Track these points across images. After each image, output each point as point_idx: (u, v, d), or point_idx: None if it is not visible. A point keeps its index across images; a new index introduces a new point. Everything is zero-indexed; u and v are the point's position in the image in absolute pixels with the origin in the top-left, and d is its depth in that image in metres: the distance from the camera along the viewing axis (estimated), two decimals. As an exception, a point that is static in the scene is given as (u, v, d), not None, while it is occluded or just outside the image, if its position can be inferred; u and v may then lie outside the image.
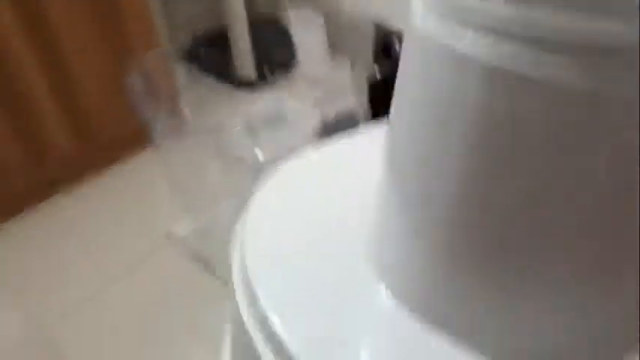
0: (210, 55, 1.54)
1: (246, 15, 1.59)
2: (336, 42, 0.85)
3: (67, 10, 1.27)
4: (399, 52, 0.67)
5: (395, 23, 0.66)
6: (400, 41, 0.68)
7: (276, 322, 0.20)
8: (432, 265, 0.20)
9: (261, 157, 0.69)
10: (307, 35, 0.88)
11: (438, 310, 0.20)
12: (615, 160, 0.16)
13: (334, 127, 0.70)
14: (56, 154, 1.32)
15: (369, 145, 0.28)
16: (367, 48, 0.69)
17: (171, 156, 0.70)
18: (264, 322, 0.21)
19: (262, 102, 0.81)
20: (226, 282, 0.67)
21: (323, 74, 0.86)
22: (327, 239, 0.24)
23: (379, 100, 0.64)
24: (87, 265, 1.04)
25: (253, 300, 0.22)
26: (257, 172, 0.74)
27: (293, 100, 0.82)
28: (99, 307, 0.86)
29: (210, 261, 0.75)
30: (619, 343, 0.20)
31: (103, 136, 1.38)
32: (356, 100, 0.67)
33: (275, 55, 1.26)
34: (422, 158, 0.19)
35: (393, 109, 0.21)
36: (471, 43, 0.16)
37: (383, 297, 0.21)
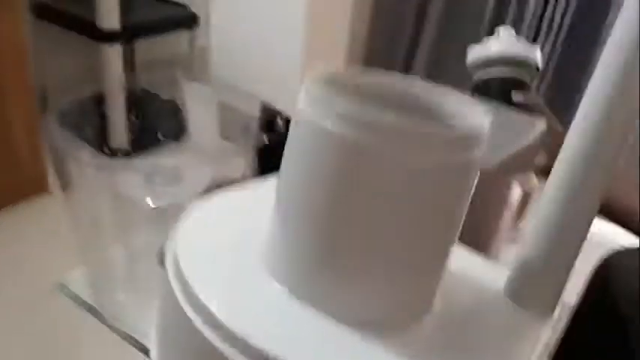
0: (86, 121, 1.57)
1: (124, 84, 1.68)
2: (226, 115, 0.98)
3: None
4: (281, 125, 0.82)
5: (278, 104, 0.81)
6: (282, 118, 0.83)
7: (201, 295, 0.32)
8: (301, 262, 0.34)
9: (152, 204, 0.78)
10: (199, 107, 1.00)
11: (306, 290, 0.33)
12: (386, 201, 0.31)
13: (223, 185, 0.82)
14: None
15: (261, 189, 0.42)
16: (254, 121, 0.83)
17: (71, 200, 0.77)
18: (191, 296, 0.32)
19: (160, 159, 0.90)
20: (114, 328, 0.73)
21: (213, 147, 0.97)
22: (237, 249, 0.37)
23: (265, 164, 0.77)
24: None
25: (184, 284, 0.33)
26: (147, 218, 0.82)
27: (187, 160, 0.92)
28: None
29: (99, 308, 0.80)
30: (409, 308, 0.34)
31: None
32: (244, 162, 0.80)
33: (162, 126, 1.34)
34: (298, 193, 0.33)
35: (282, 164, 0.34)
36: (329, 124, 0.30)
37: (272, 283, 0.34)
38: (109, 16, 1.63)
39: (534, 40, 1.90)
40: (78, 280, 0.79)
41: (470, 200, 0.34)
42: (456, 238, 0.35)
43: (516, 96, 0.73)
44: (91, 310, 0.75)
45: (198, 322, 0.32)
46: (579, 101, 0.36)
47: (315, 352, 0.31)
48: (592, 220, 0.37)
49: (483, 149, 0.33)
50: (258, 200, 0.38)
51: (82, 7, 1.71)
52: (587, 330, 0.89)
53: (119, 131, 1.43)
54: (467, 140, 0.31)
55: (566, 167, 0.35)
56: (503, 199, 0.64)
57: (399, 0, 2.21)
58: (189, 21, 1.91)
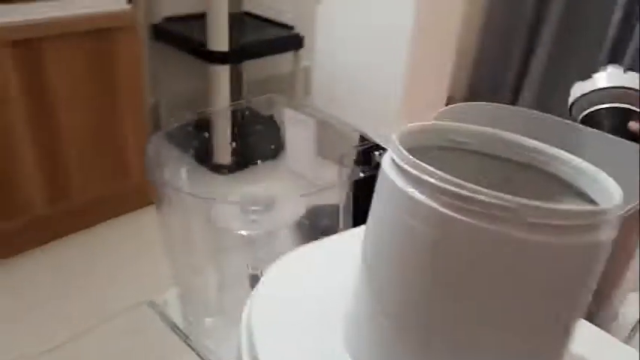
0: (193, 138, 1.64)
1: (229, 106, 1.73)
2: (324, 144, 0.96)
3: (65, 75, 1.36)
4: (378, 159, 0.78)
5: (374, 137, 0.77)
6: (378, 150, 0.79)
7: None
8: (392, 350, 0.30)
9: (245, 233, 0.78)
10: (298, 132, 0.99)
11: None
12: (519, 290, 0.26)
13: (317, 216, 0.80)
14: (31, 211, 1.38)
15: (344, 244, 0.38)
16: (350, 152, 0.80)
17: (166, 220, 0.78)
18: None
19: (255, 186, 0.91)
20: (197, 351, 0.73)
21: (309, 169, 0.96)
22: (316, 324, 0.34)
23: (360, 196, 0.74)
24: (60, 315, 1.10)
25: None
26: (238, 245, 0.82)
27: (281, 188, 0.92)
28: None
29: (185, 330, 0.81)
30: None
31: (82, 198, 1.46)
32: (339, 193, 0.78)
33: (262, 146, 1.36)
34: (386, 269, 0.29)
35: (368, 222, 0.31)
36: (419, 193, 0.27)
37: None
38: (219, 39, 1.69)
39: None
40: (169, 300, 0.81)
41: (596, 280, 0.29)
42: (577, 323, 0.30)
43: (633, 125, 0.67)
44: (177, 330, 0.76)
45: None
46: None
47: None
48: None
49: (615, 227, 0.27)
50: (341, 258, 0.35)
51: (194, 30, 1.79)
52: None
53: (223, 148, 1.47)
54: (596, 219, 0.26)
55: None
56: (630, 245, 0.56)
57: (507, 30, 2.11)
58: (295, 43, 1.94)
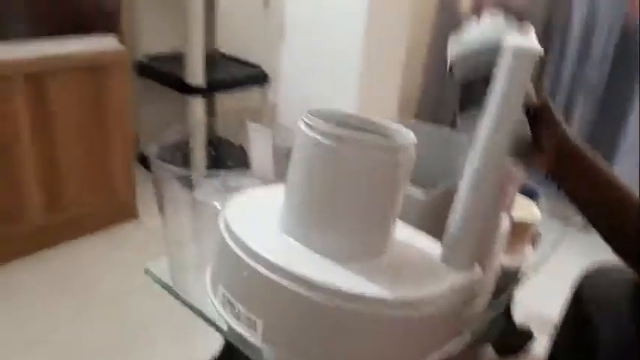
0: (176, 158, 1.89)
1: (204, 131, 1.97)
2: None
3: (66, 104, 1.61)
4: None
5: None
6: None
7: (242, 238, 0.54)
8: (295, 222, 0.55)
9: (219, 207, 1.00)
10: (258, 141, 1.22)
11: (298, 235, 0.55)
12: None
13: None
14: (30, 220, 1.59)
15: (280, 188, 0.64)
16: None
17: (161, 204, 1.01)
18: (239, 242, 0.54)
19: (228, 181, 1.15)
20: (186, 302, 0.94)
21: (270, 173, 1.20)
22: (263, 216, 0.59)
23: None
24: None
25: (230, 231, 0.55)
26: (215, 218, 1.05)
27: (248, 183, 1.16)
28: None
29: (174, 286, 1.01)
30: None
31: (75, 211, 1.67)
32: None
33: (231, 165, 1.60)
34: (297, 179, 0.55)
35: (290, 164, 0.57)
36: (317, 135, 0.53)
37: (284, 234, 0.56)
38: (195, 74, 1.96)
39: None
40: (160, 266, 1.02)
41: (404, 185, 0.55)
42: (396, 211, 0.56)
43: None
44: (167, 287, 0.98)
45: (236, 250, 0.54)
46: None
47: (304, 265, 0.52)
48: (490, 208, 0.56)
49: (409, 156, 0.54)
50: (279, 192, 0.60)
51: (174, 66, 2.06)
52: (566, 343, 1.01)
53: (200, 166, 1.70)
54: (392, 146, 0.53)
55: (469, 169, 0.55)
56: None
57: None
58: (261, 79, 2.23)
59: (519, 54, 0.52)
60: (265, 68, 2.26)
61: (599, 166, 0.67)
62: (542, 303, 1.58)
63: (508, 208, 0.90)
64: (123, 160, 1.82)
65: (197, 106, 2.02)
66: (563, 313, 1.06)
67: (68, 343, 1.35)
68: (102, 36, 1.67)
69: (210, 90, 2.08)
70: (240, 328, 0.52)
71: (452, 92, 0.66)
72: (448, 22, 2.45)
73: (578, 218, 1.29)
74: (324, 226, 0.54)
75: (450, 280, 0.54)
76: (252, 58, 2.30)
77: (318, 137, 0.52)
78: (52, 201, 1.66)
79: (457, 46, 0.62)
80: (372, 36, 2.04)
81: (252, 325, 0.51)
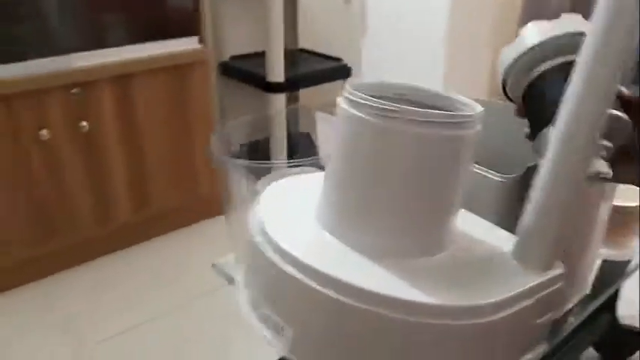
0: (258, 156, 1.91)
1: (285, 131, 1.95)
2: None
3: (150, 102, 1.65)
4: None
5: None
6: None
7: (271, 232, 0.49)
8: (334, 214, 0.49)
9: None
10: (327, 130, 1.18)
11: (337, 230, 0.48)
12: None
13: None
14: (118, 217, 1.66)
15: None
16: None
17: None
18: (267, 237, 0.49)
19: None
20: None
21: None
22: (298, 209, 0.53)
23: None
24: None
25: (263, 231, 0.50)
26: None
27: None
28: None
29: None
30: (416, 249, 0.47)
31: (161, 207, 1.72)
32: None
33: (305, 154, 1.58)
34: (339, 166, 0.49)
35: (331, 151, 0.50)
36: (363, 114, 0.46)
37: (320, 229, 0.50)
38: (275, 72, 1.95)
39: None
40: (227, 262, 1.00)
41: (467, 170, 0.47)
42: (458, 199, 0.48)
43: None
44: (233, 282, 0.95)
45: (269, 252, 0.48)
46: None
47: (346, 267, 0.45)
48: (569, 201, 0.45)
49: (476, 130, 0.46)
50: (317, 180, 0.54)
51: (256, 66, 2.07)
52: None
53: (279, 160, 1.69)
54: (455, 121, 0.44)
55: (549, 156, 0.46)
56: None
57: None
58: (343, 72, 2.18)
59: None
60: (347, 62, 2.20)
61: None
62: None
63: (610, 195, 0.77)
64: (206, 159, 1.85)
65: (278, 102, 2.01)
66: None
67: (167, 330, 1.38)
68: (184, 39, 1.71)
69: (291, 86, 2.06)
70: (267, 334, 0.47)
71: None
72: (537, 10, 2.25)
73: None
74: (367, 219, 0.47)
75: (522, 282, 0.45)
76: (334, 53, 2.26)
77: (356, 112, 0.45)
78: (138, 199, 1.71)
79: (510, 54, 0.56)
80: (455, 27, 1.92)
81: (279, 331, 0.45)
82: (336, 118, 0.49)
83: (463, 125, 0.45)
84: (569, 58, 0.52)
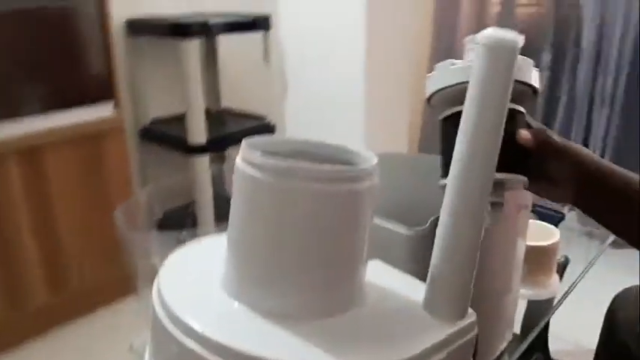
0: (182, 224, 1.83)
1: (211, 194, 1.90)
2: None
3: (62, 174, 1.58)
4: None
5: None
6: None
7: (173, 307, 0.45)
8: (237, 279, 0.46)
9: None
10: None
11: (242, 295, 0.45)
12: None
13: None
14: (33, 301, 1.54)
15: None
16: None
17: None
18: (168, 311, 0.45)
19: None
20: None
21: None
22: (203, 273, 0.50)
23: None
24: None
25: (164, 304, 0.46)
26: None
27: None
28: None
29: None
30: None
31: (79, 287, 1.61)
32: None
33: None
34: (238, 228, 0.46)
35: (230, 211, 0.48)
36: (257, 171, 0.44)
37: (225, 295, 0.46)
38: (197, 133, 1.92)
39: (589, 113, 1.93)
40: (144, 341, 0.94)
41: (368, 222, 0.46)
42: (362, 254, 0.46)
43: (524, 135, 0.56)
44: None
45: (170, 326, 0.44)
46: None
47: (253, 337, 0.42)
48: (474, 247, 0.45)
49: (371, 182, 0.44)
50: (221, 242, 0.51)
51: (176, 128, 2.03)
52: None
53: (208, 224, 1.64)
54: (350, 174, 0.43)
55: (448, 195, 0.45)
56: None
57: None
58: (268, 130, 2.18)
59: (496, 47, 0.43)
60: (271, 120, 2.21)
61: (634, 182, 0.58)
62: (580, 332, 1.42)
63: (521, 234, 0.79)
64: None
65: (202, 164, 1.97)
66: (598, 341, 0.94)
67: None
68: (98, 105, 1.66)
69: (215, 147, 2.03)
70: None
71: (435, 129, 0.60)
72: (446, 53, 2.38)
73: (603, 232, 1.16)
74: (271, 281, 0.45)
75: (433, 335, 0.43)
76: (258, 112, 2.27)
77: (253, 172, 0.43)
78: (54, 280, 1.60)
79: (436, 82, 0.58)
80: (373, 80, 1.98)
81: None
82: (234, 179, 0.47)
83: (357, 179, 0.44)
84: None
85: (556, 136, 0.58)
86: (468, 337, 0.47)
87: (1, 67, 1.48)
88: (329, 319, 0.45)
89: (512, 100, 0.47)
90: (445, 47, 2.32)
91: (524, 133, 0.56)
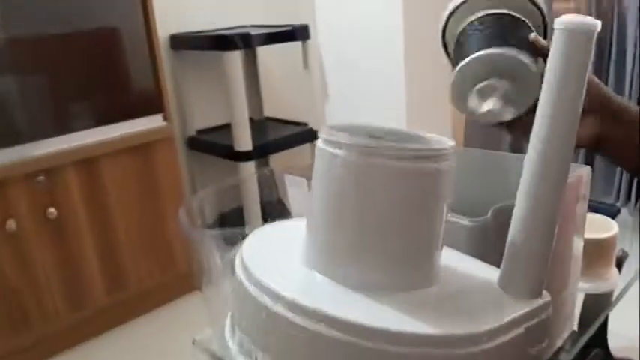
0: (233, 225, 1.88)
1: (259, 199, 1.94)
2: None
3: (118, 182, 1.64)
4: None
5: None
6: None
7: (256, 273, 0.47)
8: (321, 253, 0.48)
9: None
10: (296, 192, 1.18)
11: (323, 268, 0.47)
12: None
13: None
14: (94, 303, 1.60)
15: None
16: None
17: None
18: (252, 279, 0.47)
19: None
20: None
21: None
22: (283, 250, 0.52)
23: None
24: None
25: (247, 272, 0.48)
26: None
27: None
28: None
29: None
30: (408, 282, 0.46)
31: (137, 288, 1.67)
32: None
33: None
34: (321, 203, 0.48)
35: (311, 189, 0.50)
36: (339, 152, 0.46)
37: (307, 270, 0.48)
38: (243, 141, 1.97)
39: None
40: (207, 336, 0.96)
41: (447, 203, 0.47)
42: (440, 234, 0.48)
43: (535, 38, 0.55)
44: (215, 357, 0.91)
45: (249, 286, 0.46)
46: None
47: (338, 303, 0.44)
48: (554, 221, 0.46)
49: (451, 162, 0.46)
50: (299, 225, 0.53)
51: (221, 137, 2.09)
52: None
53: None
54: (431, 153, 0.45)
55: (526, 177, 0.46)
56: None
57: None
58: (310, 136, 2.21)
59: (575, 31, 0.43)
60: (312, 125, 2.24)
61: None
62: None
63: (579, 227, 0.78)
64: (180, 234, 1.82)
65: (248, 170, 2.01)
66: None
67: None
68: (148, 117, 1.72)
69: (259, 153, 2.08)
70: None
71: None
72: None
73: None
74: (354, 257, 0.47)
75: (512, 310, 0.44)
76: (299, 119, 2.31)
77: (337, 151, 0.45)
78: (113, 281, 1.66)
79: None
80: (412, 80, 1.99)
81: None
82: (315, 160, 0.49)
83: (439, 158, 0.45)
84: (489, 11, 0.56)
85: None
86: (544, 315, 0.47)
87: (59, 84, 1.56)
88: (409, 293, 0.46)
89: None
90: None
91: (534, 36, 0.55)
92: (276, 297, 0.44)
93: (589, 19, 0.44)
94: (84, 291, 1.61)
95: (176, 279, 1.82)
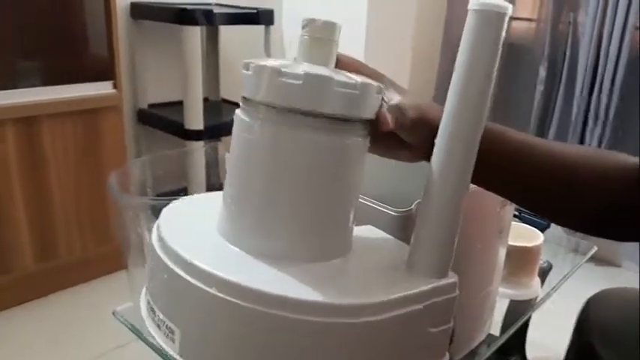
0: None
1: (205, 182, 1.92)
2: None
3: (58, 145, 1.58)
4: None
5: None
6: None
7: (169, 241, 0.47)
8: (232, 222, 0.48)
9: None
10: None
11: (235, 240, 0.47)
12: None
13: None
14: (20, 269, 1.55)
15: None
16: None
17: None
18: (165, 247, 0.47)
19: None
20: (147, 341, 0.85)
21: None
22: (202, 220, 0.52)
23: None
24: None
25: (161, 240, 0.48)
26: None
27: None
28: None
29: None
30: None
31: (68, 258, 1.62)
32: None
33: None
34: (236, 173, 0.48)
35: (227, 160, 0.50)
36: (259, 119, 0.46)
37: (219, 238, 0.48)
38: (194, 120, 1.94)
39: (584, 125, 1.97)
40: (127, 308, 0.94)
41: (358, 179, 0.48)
42: (350, 209, 0.48)
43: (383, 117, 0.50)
44: (134, 330, 0.90)
45: (167, 260, 0.46)
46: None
47: (238, 269, 0.44)
48: (456, 216, 0.47)
49: (363, 141, 0.47)
50: (217, 197, 0.53)
51: (173, 113, 2.05)
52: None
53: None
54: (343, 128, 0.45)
55: (435, 163, 0.47)
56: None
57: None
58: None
59: (486, 12, 0.44)
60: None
61: (523, 139, 0.53)
62: (559, 342, 1.45)
63: (503, 230, 0.81)
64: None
65: (198, 150, 1.98)
66: (568, 344, 0.96)
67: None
68: (97, 83, 1.67)
69: (210, 134, 2.05)
70: (159, 339, 0.44)
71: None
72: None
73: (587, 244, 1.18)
74: (261, 225, 0.47)
75: (410, 286, 0.45)
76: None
77: (250, 119, 0.45)
78: (43, 248, 1.61)
79: None
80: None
81: (170, 335, 0.43)
82: (233, 128, 0.49)
83: (350, 132, 0.46)
84: None
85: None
86: (447, 296, 0.49)
87: (6, 39, 1.50)
88: (314, 264, 0.47)
89: None
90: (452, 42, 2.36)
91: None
92: (178, 260, 0.44)
93: (501, 2, 0.44)
94: (11, 255, 1.55)
95: (112, 253, 1.78)
